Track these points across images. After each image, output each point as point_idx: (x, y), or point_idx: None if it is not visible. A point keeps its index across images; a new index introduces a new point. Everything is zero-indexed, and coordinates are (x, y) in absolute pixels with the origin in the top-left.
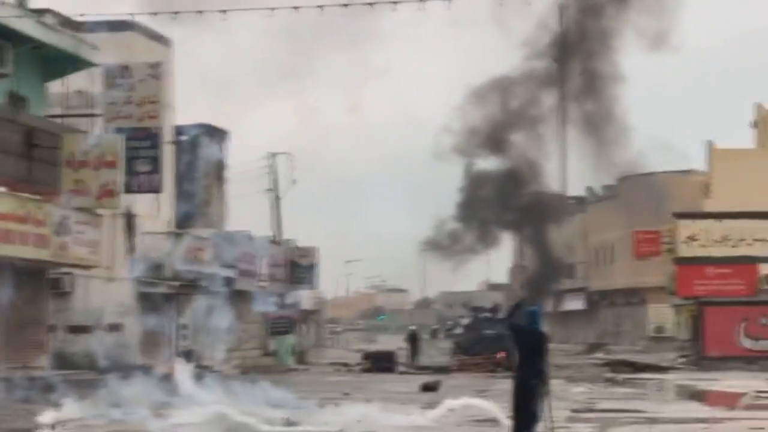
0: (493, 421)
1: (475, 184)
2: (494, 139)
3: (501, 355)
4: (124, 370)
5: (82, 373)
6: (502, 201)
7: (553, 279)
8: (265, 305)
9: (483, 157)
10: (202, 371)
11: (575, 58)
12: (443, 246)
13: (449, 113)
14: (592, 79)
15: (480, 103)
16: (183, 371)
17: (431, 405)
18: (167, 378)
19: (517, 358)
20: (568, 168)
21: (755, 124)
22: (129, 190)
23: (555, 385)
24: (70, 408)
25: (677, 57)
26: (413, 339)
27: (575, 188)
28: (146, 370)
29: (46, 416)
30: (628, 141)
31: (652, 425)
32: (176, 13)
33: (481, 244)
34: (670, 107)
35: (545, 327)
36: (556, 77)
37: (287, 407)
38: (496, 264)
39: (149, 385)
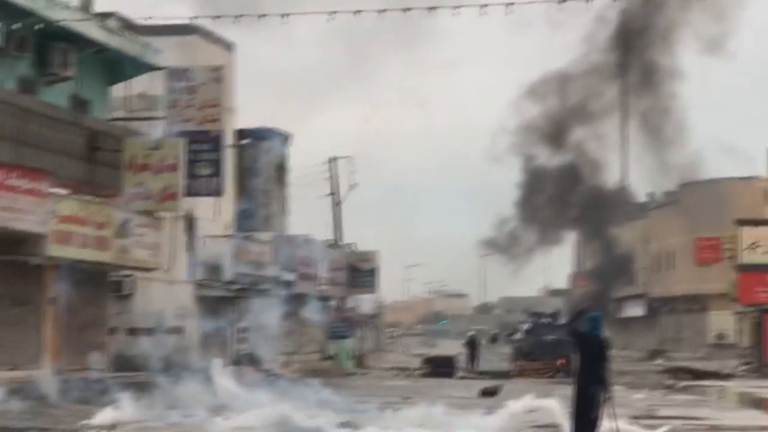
0: (554, 427)
1: (534, 179)
2: (553, 135)
3: (561, 360)
4: (184, 372)
5: (141, 375)
6: (562, 197)
7: (619, 275)
8: (314, 313)
9: (541, 153)
10: (243, 372)
11: (635, 51)
12: (503, 246)
13: (506, 110)
14: (652, 73)
15: (538, 99)
16: (221, 374)
17: (492, 410)
18: (223, 381)
19: (577, 363)
20: (629, 167)
21: None
22: (190, 193)
23: (615, 391)
24: (128, 409)
25: (743, 60)
26: (473, 344)
27: (636, 193)
28: (205, 372)
29: (103, 416)
30: (687, 140)
31: None
32: (238, 16)
33: (542, 243)
34: (733, 112)
35: (606, 333)
36: (617, 70)
37: (345, 410)
38: (556, 270)
39: (206, 387)
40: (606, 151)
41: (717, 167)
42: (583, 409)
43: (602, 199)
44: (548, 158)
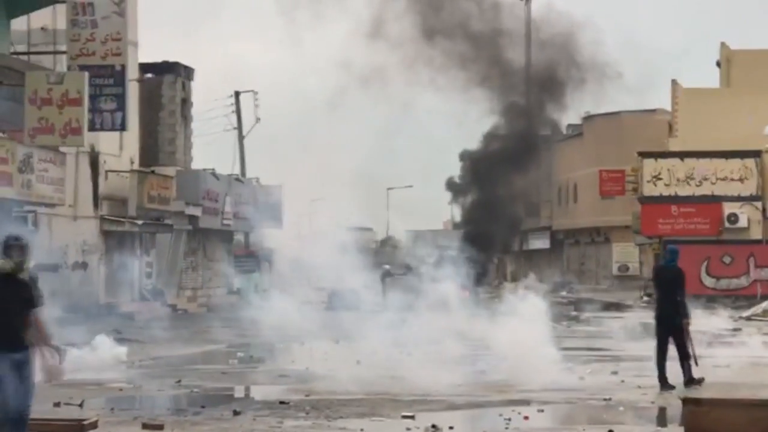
0: None
1: None
2: None
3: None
4: (88, 309)
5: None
6: None
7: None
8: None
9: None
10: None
11: None
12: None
13: None
14: None
15: None
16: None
17: None
18: (131, 317)
19: (657, 295)
20: None
21: (719, 64)
22: (93, 128)
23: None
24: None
25: None
26: (385, 277)
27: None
28: (110, 309)
29: None
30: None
31: (616, 363)
32: None
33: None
34: (639, 43)
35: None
36: None
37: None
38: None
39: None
40: None
41: (620, 98)
42: (666, 338)
43: None
44: None
